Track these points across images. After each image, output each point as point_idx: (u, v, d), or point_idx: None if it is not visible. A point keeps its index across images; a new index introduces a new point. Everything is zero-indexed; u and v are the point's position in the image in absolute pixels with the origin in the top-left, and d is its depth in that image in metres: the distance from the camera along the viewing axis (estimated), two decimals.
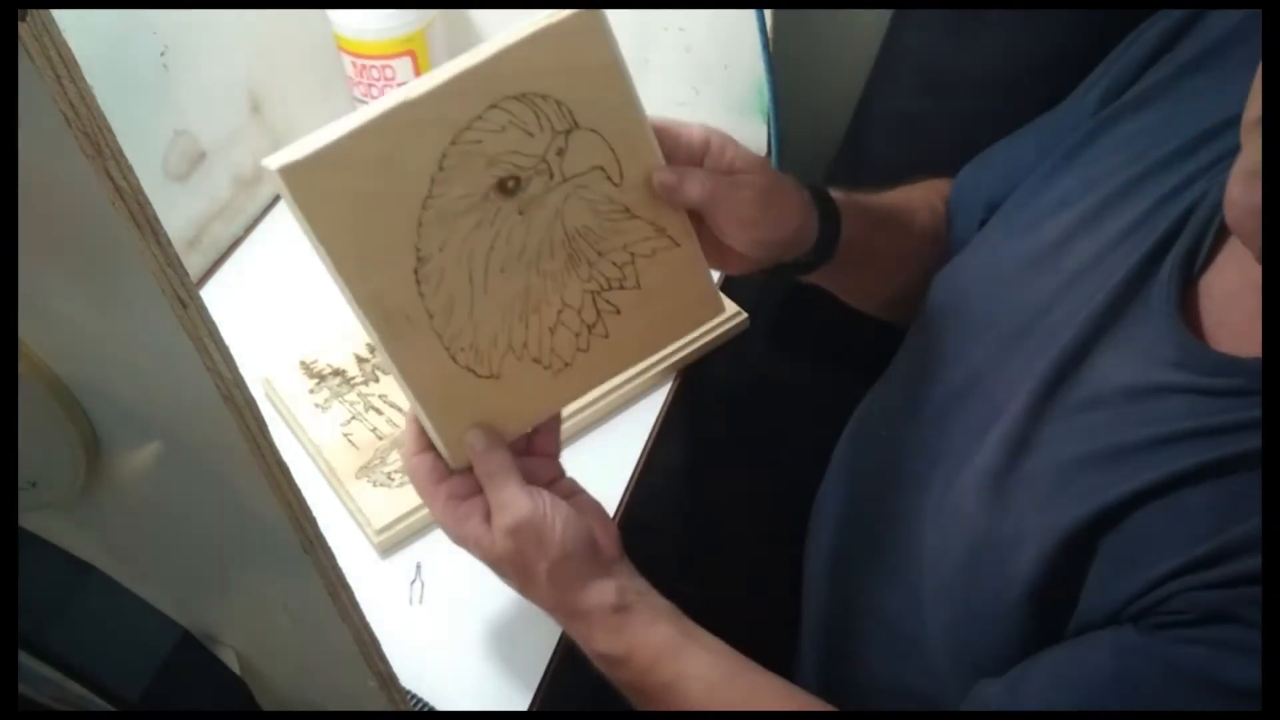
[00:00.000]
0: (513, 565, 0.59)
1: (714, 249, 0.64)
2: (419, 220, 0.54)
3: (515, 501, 0.57)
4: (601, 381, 0.63)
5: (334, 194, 0.52)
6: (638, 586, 0.61)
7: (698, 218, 0.62)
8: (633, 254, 0.60)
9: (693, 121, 0.62)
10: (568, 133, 0.56)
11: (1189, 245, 0.53)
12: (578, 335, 0.60)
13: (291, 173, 0.50)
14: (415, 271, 0.54)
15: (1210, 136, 0.56)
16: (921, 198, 0.78)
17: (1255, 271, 0.50)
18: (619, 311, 0.61)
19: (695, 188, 0.59)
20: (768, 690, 0.60)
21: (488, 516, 0.59)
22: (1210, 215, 0.53)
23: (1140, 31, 0.65)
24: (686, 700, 0.59)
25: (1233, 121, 0.46)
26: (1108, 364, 0.54)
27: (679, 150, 0.60)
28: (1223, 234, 0.53)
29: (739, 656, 0.60)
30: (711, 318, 0.65)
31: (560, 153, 0.56)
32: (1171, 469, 0.48)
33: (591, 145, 0.57)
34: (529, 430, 0.63)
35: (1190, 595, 0.46)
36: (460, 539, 0.60)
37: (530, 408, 0.61)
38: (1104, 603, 0.50)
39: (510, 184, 0.55)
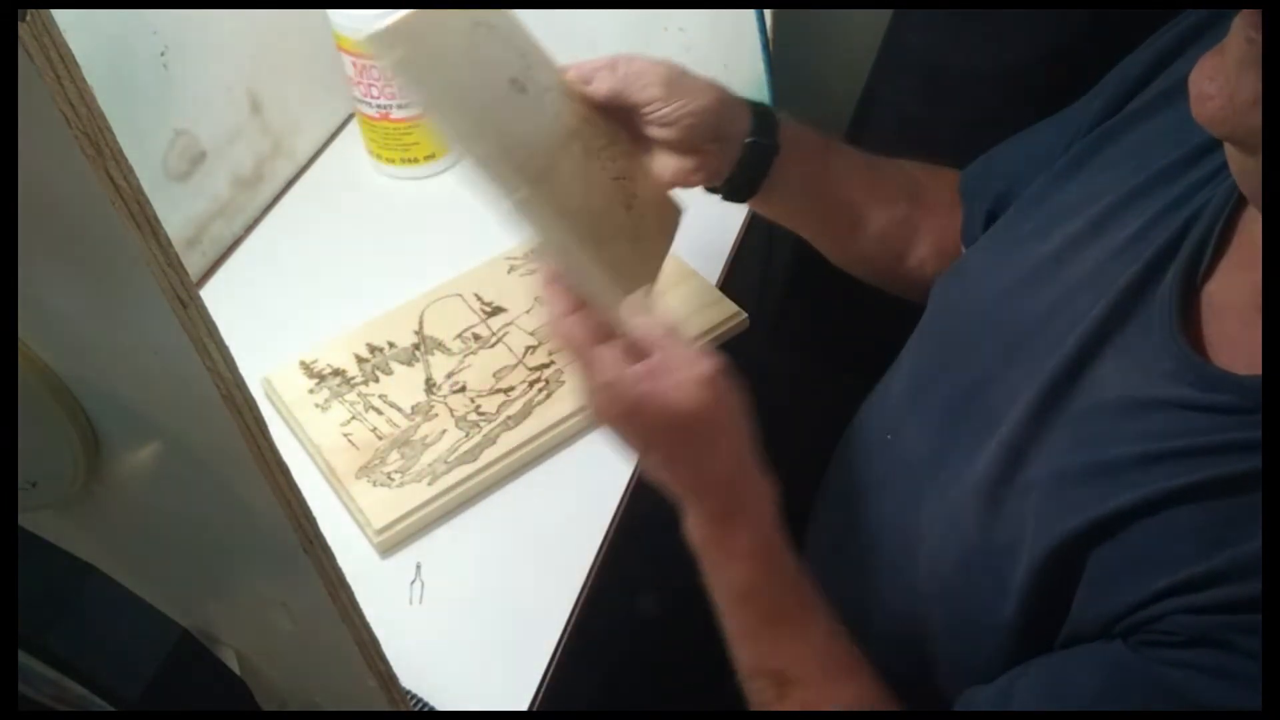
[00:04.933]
0: (705, 421, 0.54)
1: (664, 160, 0.69)
2: (493, 94, 0.60)
3: (707, 354, 0.55)
4: (667, 244, 0.69)
5: (436, 54, 0.57)
6: None
7: (630, 125, 0.68)
8: (616, 151, 0.66)
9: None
10: (524, 55, 0.64)
11: (1190, 255, 0.53)
12: (628, 209, 0.66)
13: (396, 33, 0.54)
14: (510, 136, 0.59)
15: (1213, 147, 0.55)
16: (893, 160, 0.80)
17: (1256, 282, 0.50)
18: (636, 196, 0.67)
19: (606, 77, 0.66)
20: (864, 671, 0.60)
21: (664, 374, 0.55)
22: (1212, 224, 0.53)
23: (1155, 38, 0.65)
24: (808, 636, 0.58)
25: None
26: (1107, 375, 0.54)
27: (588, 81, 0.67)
28: (1225, 244, 0.53)
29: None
30: (678, 216, 0.71)
31: (529, 68, 0.63)
32: (1162, 486, 0.48)
33: (545, 65, 0.65)
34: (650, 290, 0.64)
35: (1179, 618, 0.46)
36: (636, 398, 0.54)
37: (653, 258, 0.66)
38: (1093, 616, 0.50)
39: (518, 83, 0.62)
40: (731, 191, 0.73)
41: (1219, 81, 0.44)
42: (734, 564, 0.58)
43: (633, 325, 0.57)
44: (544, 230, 0.58)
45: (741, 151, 0.70)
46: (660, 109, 0.66)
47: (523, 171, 0.58)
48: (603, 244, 0.61)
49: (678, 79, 0.67)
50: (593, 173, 0.64)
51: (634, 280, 0.62)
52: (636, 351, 0.56)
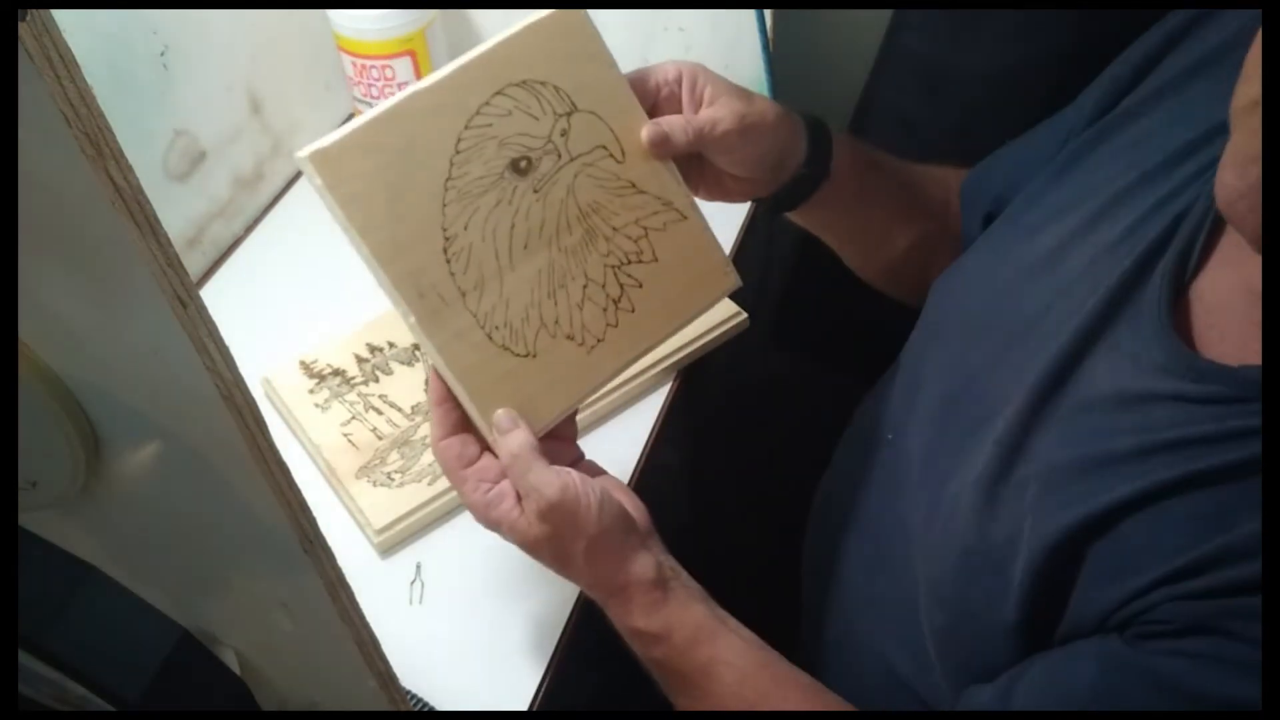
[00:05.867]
0: (550, 548, 0.59)
1: (714, 180, 0.68)
2: (442, 200, 0.58)
3: (544, 484, 0.57)
4: (635, 357, 0.65)
5: (361, 178, 0.55)
6: (671, 563, 0.62)
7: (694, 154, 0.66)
8: (645, 228, 0.64)
9: (665, 61, 0.66)
10: (569, 115, 0.61)
11: (1180, 251, 0.53)
12: (605, 310, 0.63)
13: (320, 159, 0.54)
14: (444, 250, 0.58)
15: (1202, 143, 0.56)
16: (934, 170, 0.80)
17: (1245, 276, 0.50)
18: (641, 285, 0.64)
19: (680, 136, 0.63)
20: (793, 684, 0.61)
21: (520, 499, 0.59)
22: (1201, 220, 0.53)
23: (1145, 37, 0.65)
24: (720, 684, 0.59)
25: (1224, 128, 0.46)
26: (1099, 370, 0.54)
27: (659, 89, 0.65)
28: (1214, 239, 0.53)
29: (765, 646, 0.61)
30: (728, 287, 0.68)
31: (564, 134, 0.61)
32: (1157, 478, 0.48)
33: (592, 126, 0.62)
34: (572, 410, 0.63)
35: (1172, 606, 0.47)
36: (491, 523, 0.60)
37: (569, 386, 0.62)
38: (1091, 611, 0.50)
39: (522, 164, 0.60)
40: (772, 207, 0.73)
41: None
42: (630, 640, 0.62)
43: (494, 448, 0.59)
44: (435, 361, 0.58)
45: (792, 176, 0.70)
46: (735, 153, 0.66)
47: (422, 301, 0.56)
48: (490, 389, 0.59)
49: (751, 115, 0.65)
50: (569, 269, 0.61)
51: (560, 390, 0.61)
52: (502, 469, 0.60)
